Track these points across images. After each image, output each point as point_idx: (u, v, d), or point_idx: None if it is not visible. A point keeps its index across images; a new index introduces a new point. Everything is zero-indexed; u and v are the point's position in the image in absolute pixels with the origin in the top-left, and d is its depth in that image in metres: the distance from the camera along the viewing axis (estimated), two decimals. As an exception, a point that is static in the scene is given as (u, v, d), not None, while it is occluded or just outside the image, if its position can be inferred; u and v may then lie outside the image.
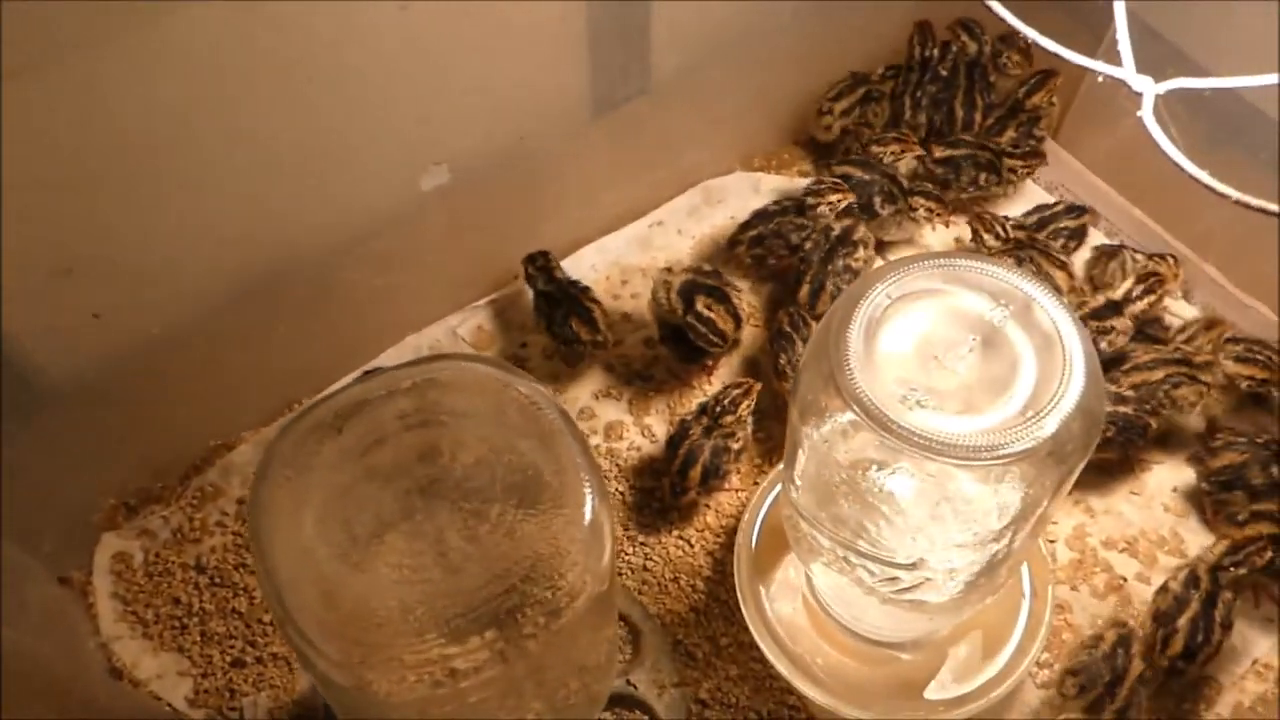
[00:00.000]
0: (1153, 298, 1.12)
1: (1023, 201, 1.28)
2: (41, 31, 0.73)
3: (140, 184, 0.86)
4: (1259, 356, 1.06)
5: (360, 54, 0.90)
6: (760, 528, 1.01)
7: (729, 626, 1.00)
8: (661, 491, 1.06)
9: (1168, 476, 1.10)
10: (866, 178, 1.19)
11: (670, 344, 1.12)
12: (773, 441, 1.10)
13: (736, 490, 1.08)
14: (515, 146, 1.08)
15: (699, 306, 1.07)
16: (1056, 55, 0.72)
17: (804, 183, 1.23)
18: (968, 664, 0.95)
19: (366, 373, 1.07)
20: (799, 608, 0.98)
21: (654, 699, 0.96)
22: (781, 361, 1.08)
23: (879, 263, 1.21)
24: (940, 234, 1.27)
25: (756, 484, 1.07)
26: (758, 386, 1.05)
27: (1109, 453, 1.06)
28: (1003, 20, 0.75)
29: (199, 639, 0.99)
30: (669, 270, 1.12)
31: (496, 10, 0.95)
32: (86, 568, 1.02)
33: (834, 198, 1.16)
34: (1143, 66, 0.72)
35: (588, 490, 0.66)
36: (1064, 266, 1.16)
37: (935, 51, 1.28)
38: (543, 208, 1.17)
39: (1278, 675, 0.99)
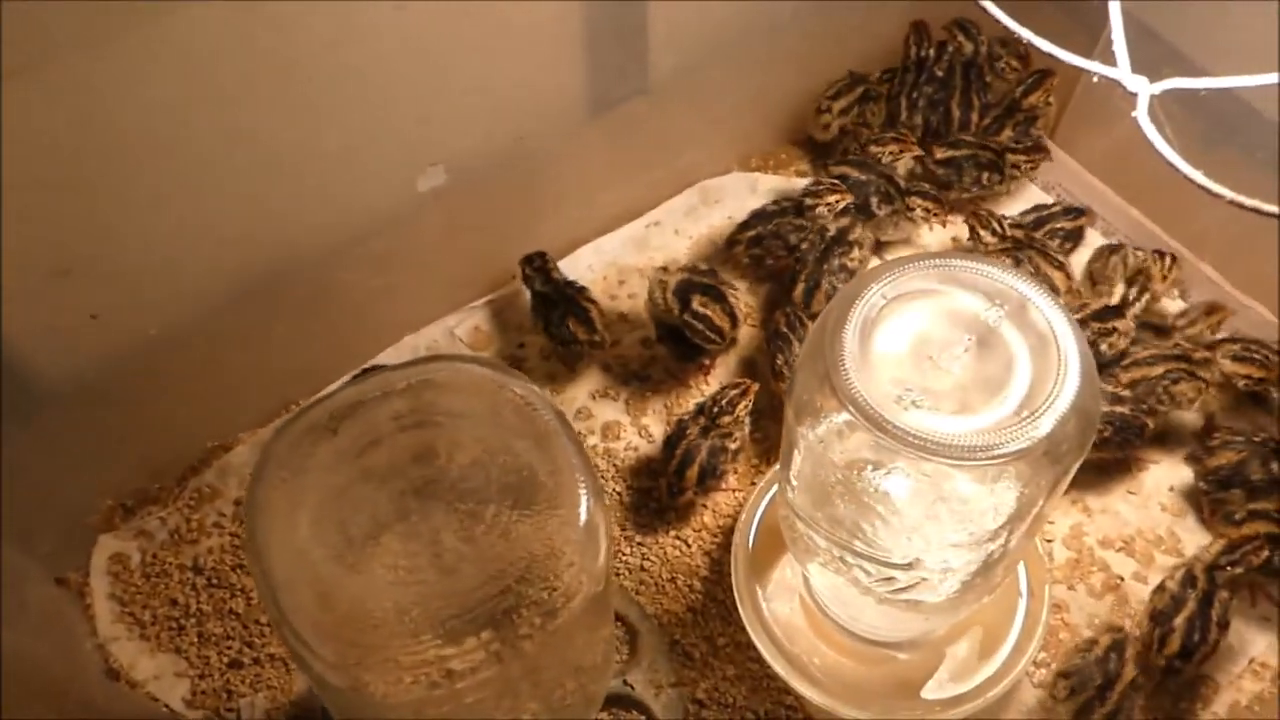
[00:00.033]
0: (1147, 296, 1.12)
1: (1020, 201, 1.28)
2: (38, 32, 0.73)
3: (138, 185, 0.86)
4: (1256, 356, 1.07)
5: (357, 54, 0.90)
6: (757, 528, 1.01)
7: (726, 626, 1.00)
8: (659, 492, 1.06)
9: (1165, 476, 1.10)
10: (864, 178, 1.19)
11: (667, 343, 1.12)
12: (770, 442, 1.10)
13: (734, 490, 1.08)
14: (512, 147, 1.08)
15: (695, 305, 1.07)
16: (1051, 56, 0.72)
17: (801, 183, 1.23)
18: (965, 663, 0.95)
19: (365, 370, 1.08)
20: (796, 608, 0.98)
21: (651, 699, 0.96)
22: (779, 362, 1.08)
23: (875, 262, 1.22)
24: (938, 234, 1.27)
25: (754, 484, 1.07)
26: (755, 387, 1.05)
27: (1106, 452, 1.06)
28: (998, 21, 0.75)
29: (196, 640, 0.99)
30: (665, 270, 1.12)
31: (493, 10, 0.95)
32: (84, 569, 1.02)
33: (832, 198, 1.16)
34: (1140, 66, 0.72)
35: (583, 491, 0.66)
36: (1061, 266, 1.16)
37: (931, 52, 1.28)
38: (540, 208, 1.18)
39: (1274, 674, 0.99)
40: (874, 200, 1.19)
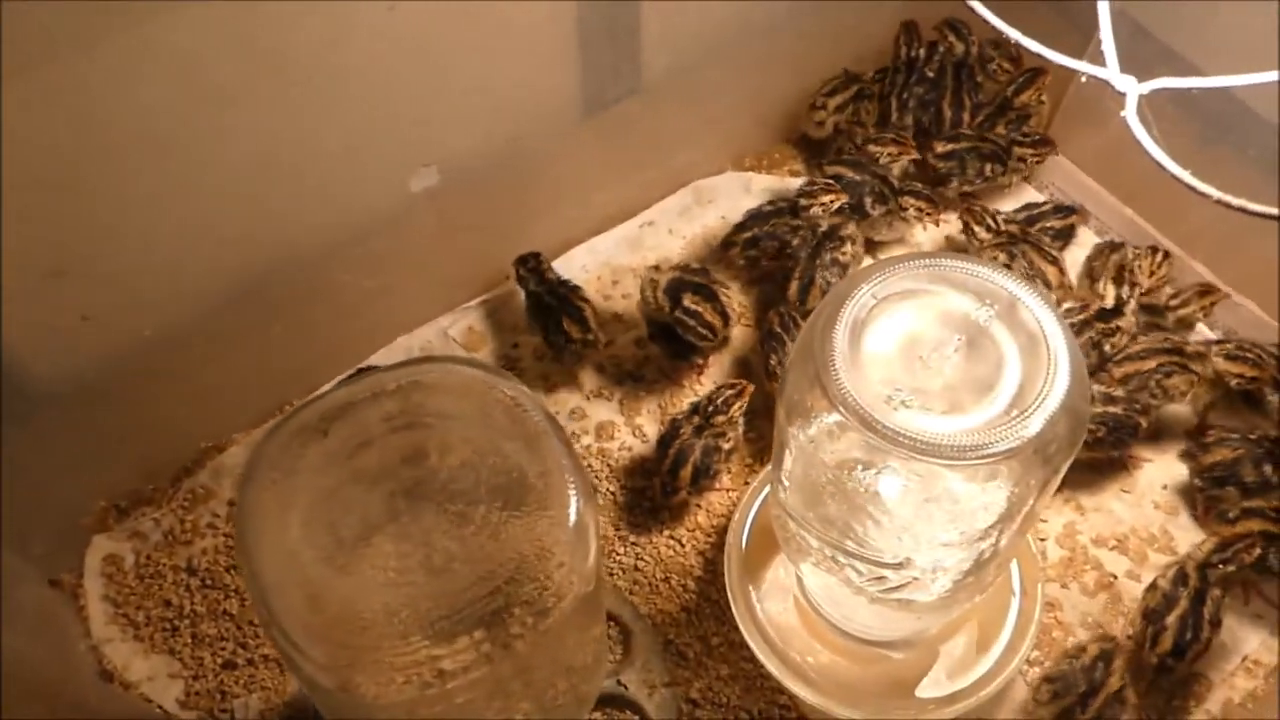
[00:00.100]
0: (1139, 290, 1.13)
1: (1013, 200, 1.28)
2: (33, 32, 0.73)
3: (131, 186, 0.86)
4: (1249, 355, 1.07)
5: (349, 55, 0.90)
6: (751, 527, 1.01)
7: (720, 626, 1.00)
8: (652, 491, 1.06)
9: (1158, 474, 1.10)
10: (858, 178, 1.19)
11: (659, 342, 1.12)
12: (764, 441, 1.10)
13: (727, 490, 1.08)
14: (505, 147, 1.09)
15: (686, 302, 1.07)
16: (1041, 56, 0.72)
17: (795, 182, 1.24)
18: (958, 662, 0.96)
19: (358, 371, 1.08)
20: (790, 607, 0.98)
21: (645, 699, 0.96)
22: (772, 362, 1.08)
23: (867, 259, 1.22)
24: (931, 233, 1.27)
25: (747, 484, 1.07)
26: (751, 389, 1.05)
27: (1099, 452, 1.06)
28: (988, 21, 0.75)
29: (190, 641, 0.99)
30: (656, 269, 1.12)
31: (486, 10, 0.95)
32: (77, 570, 1.02)
33: (827, 199, 1.16)
34: (1133, 65, 0.72)
35: (572, 491, 0.66)
36: (1055, 261, 1.16)
37: (921, 52, 1.28)
38: (533, 208, 1.18)
39: (1268, 671, 0.99)
40: (868, 200, 1.19)
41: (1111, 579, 1.04)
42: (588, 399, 1.14)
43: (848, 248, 1.14)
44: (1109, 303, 1.13)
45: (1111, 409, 1.04)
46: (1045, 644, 1.00)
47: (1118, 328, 1.10)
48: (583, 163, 1.18)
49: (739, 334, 1.17)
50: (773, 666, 0.95)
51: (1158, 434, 1.11)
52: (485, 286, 1.20)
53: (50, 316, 0.90)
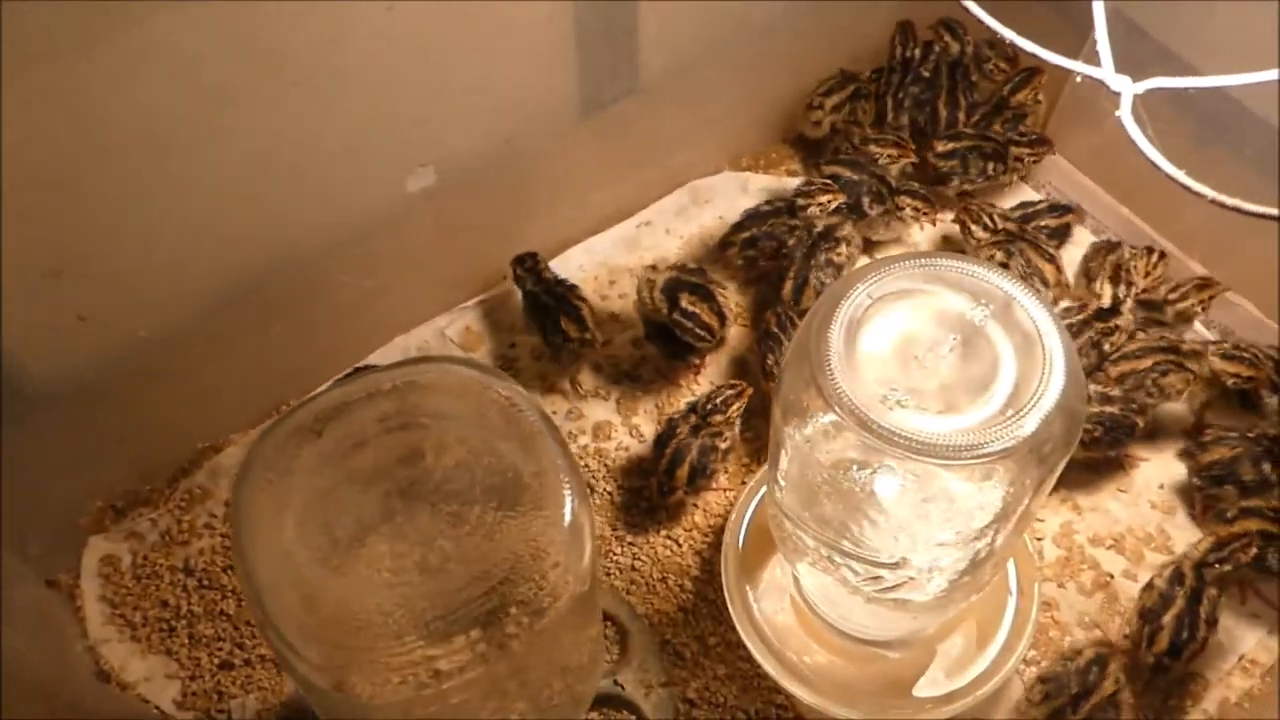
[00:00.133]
0: (1135, 289, 1.13)
1: (1009, 198, 1.28)
2: (32, 32, 0.73)
3: (128, 186, 0.86)
4: (1245, 354, 1.07)
5: (346, 55, 0.90)
6: (747, 527, 1.01)
7: (717, 626, 1.00)
8: (649, 491, 1.06)
9: (1155, 473, 1.10)
10: (856, 178, 1.20)
11: (656, 342, 1.12)
12: (760, 441, 1.10)
13: (724, 490, 1.08)
14: (502, 147, 1.09)
15: (683, 303, 1.07)
16: (1035, 56, 0.72)
17: (792, 182, 1.24)
18: (955, 662, 0.96)
19: (354, 371, 1.08)
20: (786, 607, 0.98)
21: (641, 699, 0.96)
22: (769, 362, 1.08)
23: (863, 259, 1.22)
24: (929, 232, 1.27)
25: (744, 483, 1.07)
26: (750, 391, 1.05)
27: (1096, 452, 1.06)
28: (981, 20, 0.75)
29: (187, 641, 0.99)
30: (653, 268, 1.12)
31: (484, 10, 0.95)
32: (74, 571, 1.02)
33: (824, 198, 1.16)
34: (1130, 65, 0.72)
35: (567, 491, 0.66)
36: (1052, 259, 1.16)
37: (917, 52, 1.28)
38: (530, 208, 1.18)
39: (1264, 671, 0.99)
40: (866, 200, 1.19)
41: (1108, 578, 1.04)
42: (584, 399, 1.14)
43: (843, 248, 1.14)
44: (1106, 302, 1.13)
45: (1108, 409, 1.04)
46: (1042, 643, 1.00)
47: (1116, 326, 1.10)
48: (580, 163, 1.18)
49: (736, 334, 1.17)
50: (770, 666, 0.95)
51: (1154, 434, 1.11)
52: (482, 286, 1.21)
53: (47, 317, 0.90)
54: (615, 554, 1.04)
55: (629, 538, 1.05)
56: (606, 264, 1.23)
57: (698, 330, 1.08)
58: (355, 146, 0.98)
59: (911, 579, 0.80)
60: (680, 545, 1.05)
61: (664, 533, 1.05)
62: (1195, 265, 1.19)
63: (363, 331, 1.15)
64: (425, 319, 1.18)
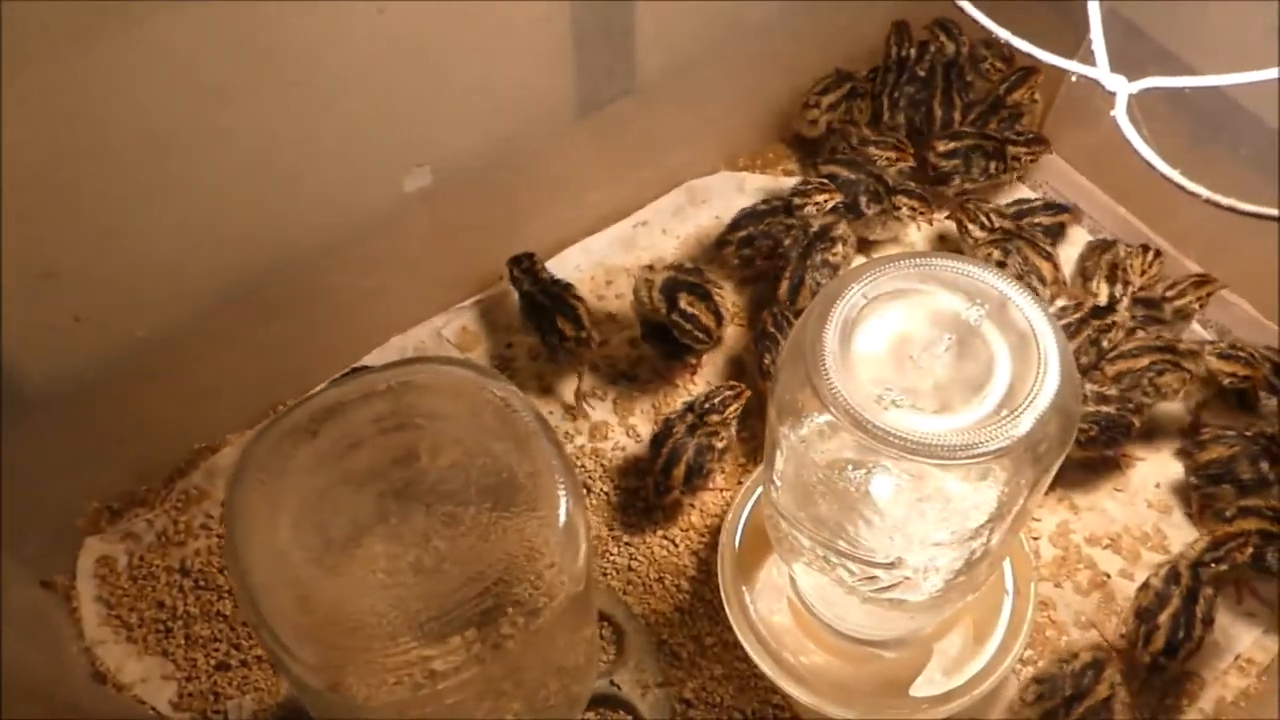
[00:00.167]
0: (1131, 288, 1.13)
1: (1005, 197, 1.28)
2: (31, 31, 0.73)
3: (124, 187, 0.86)
4: (1241, 354, 1.07)
5: (342, 56, 0.90)
6: (744, 527, 1.01)
7: (714, 626, 1.00)
8: (646, 491, 1.06)
9: (1151, 473, 1.10)
10: (853, 177, 1.20)
11: (653, 342, 1.12)
12: (757, 441, 1.10)
13: (721, 490, 1.08)
14: (499, 147, 1.08)
15: (682, 304, 1.07)
16: (1030, 55, 0.72)
17: (788, 182, 1.24)
18: (952, 661, 0.96)
19: (350, 372, 1.08)
20: (783, 607, 0.98)
21: (638, 699, 0.96)
22: (766, 361, 1.08)
23: (859, 259, 1.22)
24: (925, 232, 1.27)
25: (740, 483, 1.07)
26: (748, 393, 1.05)
27: (1093, 451, 1.06)
28: (976, 20, 0.75)
29: (183, 642, 0.99)
30: (650, 268, 1.12)
31: (480, 10, 0.95)
32: (70, 572, 1.02)
33: (821, 198, 1.16)
34: (1127, 65, 0.72)
35: (562, 492, 0.66)
36: (1049, 257, 1.16)
37: (912, 52, 1.28)
38: (527, 208, 1.18)
39: (1260, 670, 0.99)
40: (863, 199, 1.19)
41: (1105, 578, 1.04)
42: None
43: (839, 248, 1.14)
44: (1102, 301, 1.13)
45: (1105, 408, 1.04)
46: (1039, 643, 1.00)
47: (1113, 323, 1.10)
48: (577, 163, 1.18)
49: (732, 333, 1.17)
50: (766, 666, 0.95)
51: (1151, 433, 1.11)
52: (479, 286, 1.20)
53: (44, 317, 0.90)
54: (612, 554, 1.04)
55: (625, 538, 1.05)
56: (603, 264, 1.23)
57: (696, 331, 1.08)
58: (352, 147, 0.98)
59: (907, 579, 0.80)
60: (677, 545, 1.05)
61: (660, 533, 1.05)
62: (1191, 264, 1.19)
63: (359, 332, 1.15)
64: (422, 319, 1.18)
